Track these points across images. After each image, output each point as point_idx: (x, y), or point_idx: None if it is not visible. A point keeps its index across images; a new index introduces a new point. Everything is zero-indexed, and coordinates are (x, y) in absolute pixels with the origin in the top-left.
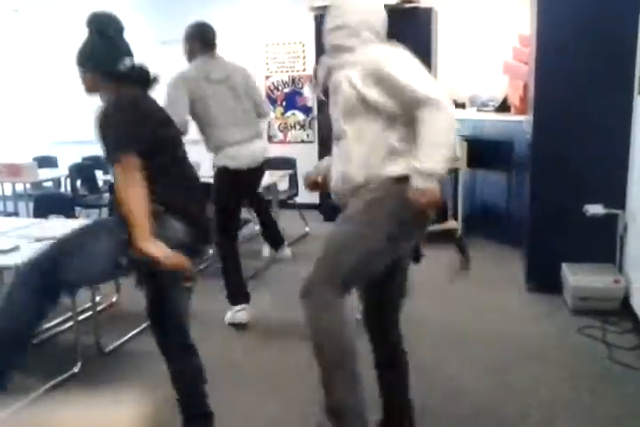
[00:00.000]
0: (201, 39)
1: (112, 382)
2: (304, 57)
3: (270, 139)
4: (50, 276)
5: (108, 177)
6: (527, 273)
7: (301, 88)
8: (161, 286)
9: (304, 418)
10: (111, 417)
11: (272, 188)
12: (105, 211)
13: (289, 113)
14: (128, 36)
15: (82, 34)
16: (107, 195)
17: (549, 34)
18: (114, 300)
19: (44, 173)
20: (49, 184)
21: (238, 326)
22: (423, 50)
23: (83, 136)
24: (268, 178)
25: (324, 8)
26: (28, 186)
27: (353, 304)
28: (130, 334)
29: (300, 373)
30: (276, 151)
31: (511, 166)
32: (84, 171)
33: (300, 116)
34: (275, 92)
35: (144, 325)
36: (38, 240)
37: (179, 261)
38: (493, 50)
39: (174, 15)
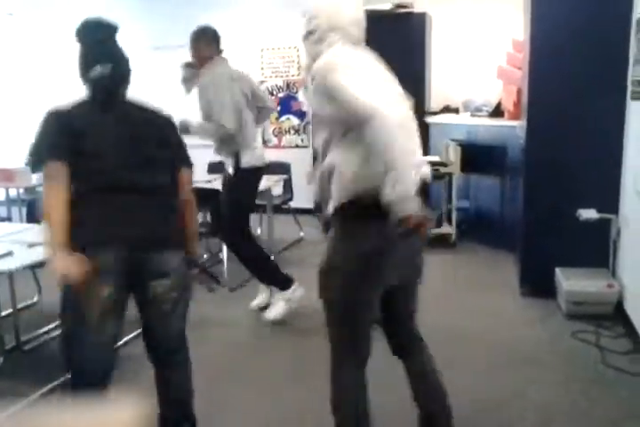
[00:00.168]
0: (216, 41)
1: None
2: (298, 62)
3: (265, 143)
4: None
5: None
6: (521, 277)
7: (296, 93)
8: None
9: (302, 418)
10: (110, 419)
11: (266, 192)
12: None
13: (283, 118)
14: (119, 41)
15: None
16: None
17: (543, 38)
18: None
19: (37, 178)
20: (42, 189)
21: (236, 327)
22: (417, 55)
23: None
24: (262, 182)
25: None
26: (21, 191)
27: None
28: (126, 338)
29: (296, 374)
30: (270, 156)
31: (505, 171)
32: None
33: (295, 120)
34: (269, 97)
35: (140, 329)
36: (31, 246)
37: (77, 279)
38: (487, 55)
39: (168, 21)
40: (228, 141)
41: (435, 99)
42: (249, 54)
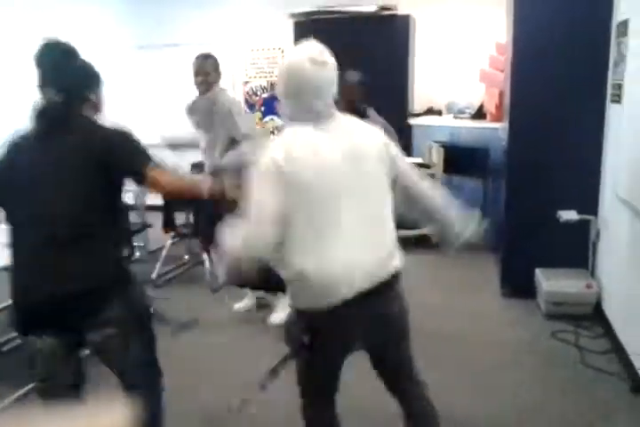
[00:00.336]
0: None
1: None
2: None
3: None
4: None
5: None
6: (502, 278)
7: None
8: None
9: (289, 418)
10: (97, 423)
11: None
12: None
13: (267, 118)
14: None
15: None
16: None
17: (525, 41)
18: None
19: None
20: None
21: (220, 329)
22: (401, 57)
23: None
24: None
25: (304, 15)
26: None
27: None
28: None
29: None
30: None
31: (487, 173)
32: None
33: (279, 121)
34: (253, 97)
35: None
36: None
37: None
38: (470, 58)
39: (151, 20)
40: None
41: (418, 101)
42: (233, 54)
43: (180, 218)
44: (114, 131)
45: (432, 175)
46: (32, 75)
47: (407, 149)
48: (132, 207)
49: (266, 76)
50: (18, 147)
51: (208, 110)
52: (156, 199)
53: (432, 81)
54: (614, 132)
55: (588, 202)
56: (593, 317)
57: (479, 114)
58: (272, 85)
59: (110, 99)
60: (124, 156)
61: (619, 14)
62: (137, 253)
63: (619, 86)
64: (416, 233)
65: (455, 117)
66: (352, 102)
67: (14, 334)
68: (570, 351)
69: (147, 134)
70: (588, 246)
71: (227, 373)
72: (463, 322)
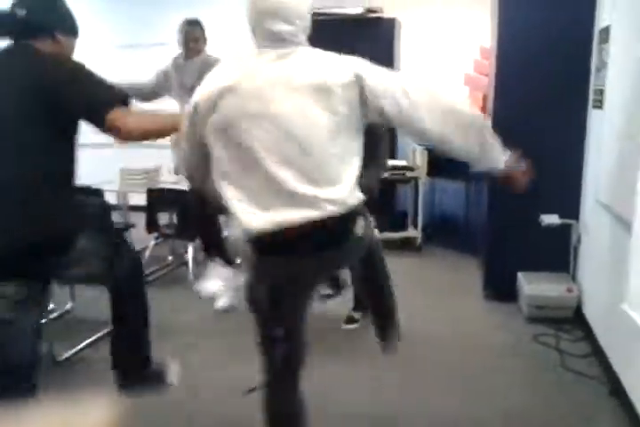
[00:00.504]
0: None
1: (69, 392)
2: None
3: None
4: None
5: None
6: (484, 281)
7: None
8: None
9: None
10: (79, 420)
11: None
12: None
13: None
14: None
15: None
16: None
17: (510, 44)
18: (68, 307)
19: None
20: None
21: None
22: (386, 59)
23: None
24: None
25: None
26: None
27: None
28: (84, 343)
29: None
30: None
31: (470, 176)
32: None
33: None
34: None
35: (99, 333)
36: None
37: None
38: (455, 61)
39: (135, 20)
40: None
41: None
42: (220, 51)
43: (164, 218)
44: (68, 64)
45: (416, 178)
46: None
47: (391, 151)
48: (114, 207)
49: None
50: None
51: (201, 72)
52: (139, 199)
53: None
54: (596, 138)
55: (570, 206)
56: (573, 320)
57: None
58: None
59: None
60: (77, 94)
61: (600, 21)
62: None
63: (600, 92)
64: (402, 236)
65: None
66: None
67: None
68: (551, 355)
69: None
70: (569, 250)
71: (221, 372)
72: (446, 325)
